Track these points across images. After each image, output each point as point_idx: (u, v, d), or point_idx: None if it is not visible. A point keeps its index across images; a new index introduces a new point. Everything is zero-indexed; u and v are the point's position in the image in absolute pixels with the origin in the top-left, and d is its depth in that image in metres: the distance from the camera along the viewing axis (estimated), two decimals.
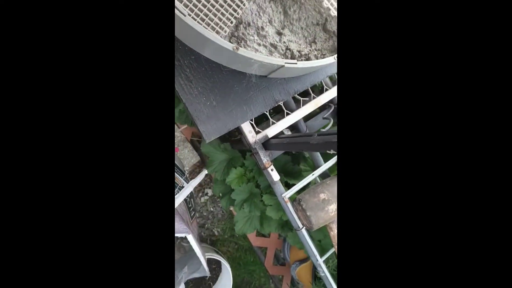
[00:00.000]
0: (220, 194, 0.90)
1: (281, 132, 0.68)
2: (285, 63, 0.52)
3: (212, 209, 1.34)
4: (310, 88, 0.69)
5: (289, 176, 0.81)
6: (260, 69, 0.55)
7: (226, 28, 0.53)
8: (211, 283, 1.22)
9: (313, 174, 0.65)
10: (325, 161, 0.69)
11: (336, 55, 0.60)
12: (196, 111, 0.54)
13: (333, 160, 0.67)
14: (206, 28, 0.50)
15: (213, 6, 0.51)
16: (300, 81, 0.65)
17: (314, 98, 0.71)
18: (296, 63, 0.53)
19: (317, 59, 0.58)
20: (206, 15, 0.51)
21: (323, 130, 0.66)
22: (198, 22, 0.50)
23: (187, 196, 0.89)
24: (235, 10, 0.53)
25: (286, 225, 0.85)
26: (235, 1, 0.52)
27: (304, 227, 0.65)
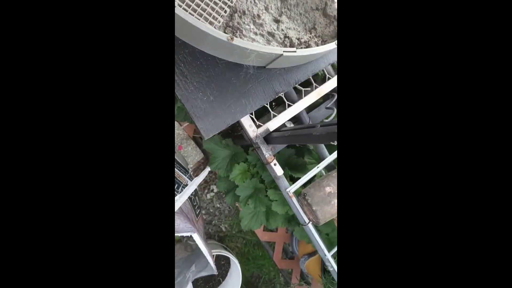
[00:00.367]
0: (225, 191, 0.89)
1: (283, 125, 0.66)
2: (283, 51, 0.49)
3: (218, 205, 1.33)
4: (312, 77, 0.66)
5: (294, 169, 0.79)
6: (257, 59, 0.52)
7: (219, 18, 0.50)
8: (221, 279, 1.22)
9: (317, 167, 0.63)
10: (330, 152, 0.67)
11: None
12: (193, 107, 0.52)
13: None
14: (199, 19, 0.47)
15: None
16: (300, 71, 0.62)
17: (316, 87, 0.68)
18: (295, 51, 0.50)
19: (317, 46, 0.55)
20: (198, 5, 0.48)
21: (326, 120, 0.63)
22: (189, 13, 0.47)
23: (192, 194, 0.88)
24: None
25: (293, 219, 0.84)
26: None
27: (311, 222, 0.63)
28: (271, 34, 0.54)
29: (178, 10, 0.42)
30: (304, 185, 0.64)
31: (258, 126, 0.62)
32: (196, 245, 0.82)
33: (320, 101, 0.74)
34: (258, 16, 0.53)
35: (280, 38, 0.54)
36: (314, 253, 1.15)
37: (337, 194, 0.57)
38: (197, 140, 1.22)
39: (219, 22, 0.50)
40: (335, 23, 0.59)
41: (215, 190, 1.32)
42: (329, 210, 0.58)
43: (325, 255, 0.64)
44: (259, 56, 0.51)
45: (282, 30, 0.55)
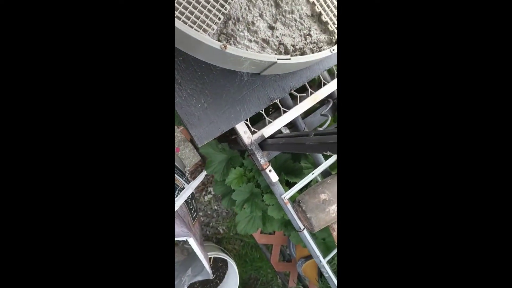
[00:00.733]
0: (222, 195, 0.89)
1: (279, 131, 0.65)
2: (278, 59, 0.49)
3: (216, 207, 1.33)
4: (307, 83, 0.65)
5: (290, 174, 0.79)
6: (251, 67, 0.52)
7: (213, 25, 0.50)
8: (218, 281, 1.22)
9: (313, 173, 0.63)
10: (326, 158, 0.67)
11: (333, 48, 0.56)
12: (186, 115, 0.52)
13: (333, 158, 0.64)
14: (192, 27, 0.47)
15: (199, 3, 0.48)
16: (296, 77, 0.62)
17: (312, 93, 0.67)
18: (289, 59, 0.50)
19: (312, 52, 0.55)
20: (192, 13, 0.48)
21: (320, 129, 0.63)
22: (183, 21, 0.47)
23: (188, 198, 0.88)
24: (222, 6, 0.50)
25: (289, 224, 0.83)
26: None
27: (306, 229, 0.63)
28: (265, 41, 0.53)
29: None
30: (300, 190, 0.64)
31: (253, 132, 0.62)
32: (192, 248, 0.82)
33: (316, 106, 0.73)
34: (253, 23, 0.53)
35: (275, 45, 0.54)
36: (311, 256, 1.15)
37: (336, 199, 0.57)
38: (194, 142, 1.22)
39: (213, 29, 0.50)
40: (330, 29, 0.58)
41: (213, 192, 1.32)
42: (323, 217, 0.58)
43: (320, 261, 0.64)
44: (253, 64, 0.51)
45: (277, 37, 0.54)
